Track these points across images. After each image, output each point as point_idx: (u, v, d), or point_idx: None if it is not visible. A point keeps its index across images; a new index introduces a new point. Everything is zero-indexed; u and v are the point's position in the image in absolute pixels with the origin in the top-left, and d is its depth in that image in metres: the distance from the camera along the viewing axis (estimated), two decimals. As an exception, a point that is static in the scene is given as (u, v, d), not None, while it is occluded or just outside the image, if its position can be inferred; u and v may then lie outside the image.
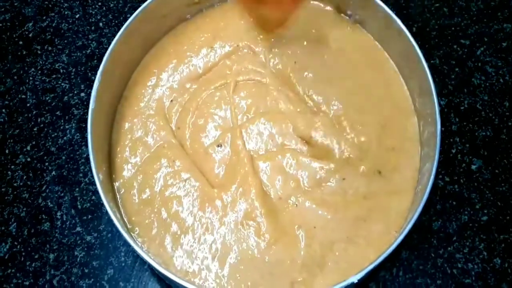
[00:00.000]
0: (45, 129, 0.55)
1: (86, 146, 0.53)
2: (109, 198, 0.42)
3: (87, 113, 0.54)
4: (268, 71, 0.51)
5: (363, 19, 0.53)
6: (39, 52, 0.60)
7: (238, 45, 0.53)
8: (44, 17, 0.62)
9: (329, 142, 0.47)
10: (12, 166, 0.53)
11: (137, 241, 0.43)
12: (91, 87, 0.56)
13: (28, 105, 0.56)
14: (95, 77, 0.57)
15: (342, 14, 0.55)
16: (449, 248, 0.48)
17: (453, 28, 0.61)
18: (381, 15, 0.50)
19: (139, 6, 0.56)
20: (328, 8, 0.55)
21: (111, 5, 0.63)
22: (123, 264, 0.47)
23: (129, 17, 0.56)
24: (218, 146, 0.47)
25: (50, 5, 0.63)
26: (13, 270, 0.48)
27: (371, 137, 0.47)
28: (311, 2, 0.55)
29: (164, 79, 0.52)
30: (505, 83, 0.57)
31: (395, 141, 0.48)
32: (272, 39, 0.53)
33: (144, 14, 0.50)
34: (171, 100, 0.50)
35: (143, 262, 0.48)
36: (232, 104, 0.50)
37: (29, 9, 0.63)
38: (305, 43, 0.53)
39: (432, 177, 0.41)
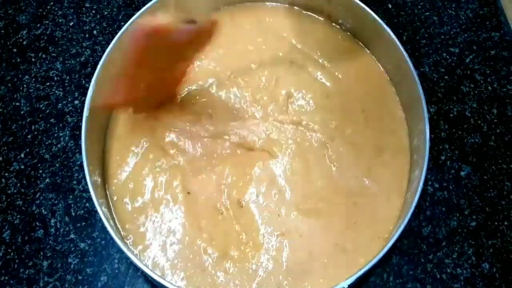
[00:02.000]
0: (39, 137, 0.55)
1: (80, 153, 0.53)
2: (102, 205, 0.42)
3: (81, 120, 0.55)
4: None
5: (354, 27, 0.54)
6: (33, 59, 0.60)
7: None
8: (38, 25, 0.63)
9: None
10: (6, 174, 0.53)
11: (131, 249, 0.43)
12: (85, 94, 0.57)
13: (22, 112, 0.56)
14: (89, 85, 0.57)
15: (334, 23, 0.55)
16: (438, 254, 0.49)
17: (442, 37, 0.62)
18: (371, 24, 0.51)
19: (133, 14, 0.57)
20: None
21: (105, 13, 0.64)
22: (116, 271, 0.48)
23: (123, 25, 0.56)
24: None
25: (44, 13, 0.64)
26: (6, 278, 0.48)
27: (360, 144, 0.48)
28: (303, 12, 0.56)
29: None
30: (493, 91, 0.58)
31: (384, 148, 0.49)
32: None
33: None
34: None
35: (137, 269, 0.48)
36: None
37: (23, 17, 0.63)
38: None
39: (421, 184, 0.42)
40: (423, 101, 0.46)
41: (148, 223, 0.45)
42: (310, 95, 0.51)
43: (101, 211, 0.40)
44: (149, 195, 0.46)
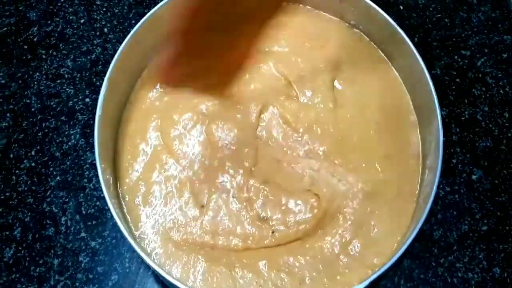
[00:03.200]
0: (50, 134, 0.55)
1: (91, 151, 0.53)
2: (115, 205, 0.42)
3: (91, 118, 0.55)
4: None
5: (367, 30, 0.54)
6: (43, 56, 0.60)
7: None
8: (49, 22, 0.63)
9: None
10: (17, 171, 0.53)
11: (144, 249, 0.43)
12: (96, 92, 0.57)
13: (32, 109, 0.56)
14: (100, 83, 0.57)
15: (347, 24, 0.55)
16: (449, 257, 0.49)
17: (454, 39, 0.61)
18: (384, 25, 0.50)
19: (144, 12, 0.57)
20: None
21: (116, 10, 0.63)
22: (127, 270, 0.48)
23: (134, 23, 0.56)
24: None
25: (55, 10, 0.63)
26: (17, 275, 0.48)
27: (372, 149, 0.48)
28: (315, 11, 0.56)
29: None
30: (505, 94, 0.58)
31: (395, 152, 0.48)
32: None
33: (150, 21, 0.50)
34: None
35: (148, 268, 0.48)
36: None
37: (34, 14, 0.63)
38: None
39: (435, 188, 0.42)
40: (437, 106, 0.45)
41: (159, 223, 0.44)
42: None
43: (114, 211, 0.40)
44: (161, 199, 0.45)
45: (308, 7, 0.56)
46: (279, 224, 0.44)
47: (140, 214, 0.45)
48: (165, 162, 0.47)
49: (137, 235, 0.44)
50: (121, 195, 0.46)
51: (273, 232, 0.43)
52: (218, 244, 0.43)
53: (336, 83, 0.51)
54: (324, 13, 0.55)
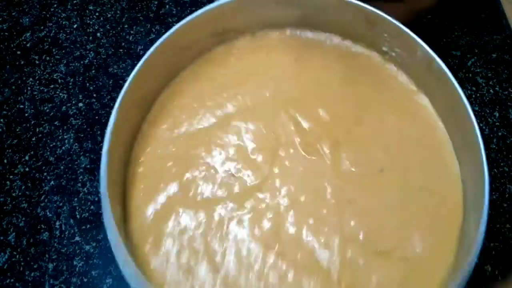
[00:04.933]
0: (44, 139, 0.55)
1: (84, 156, 0.54)
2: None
3: (85, 123, 0.56)
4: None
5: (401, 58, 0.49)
6: (37, 62, 0.60)
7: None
8: (42, 27, 0.63)
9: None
10: (11, 176, 0.53)
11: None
12: (89, 97, 0.57)
13: (26, 115, 0.57)
14: (92, 87, 0.58)
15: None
16: (441, 256, 0.49)
17: (444, 40, 0.62)
18: (421, 54, 0.46)
19: (137, 16, 0.57)
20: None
21: (109, 15, 0.64)
22: (122, 274, 0.48)
23: (126, 28, 0.57)
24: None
25: (47, 15, 0.64)
26: (12, 280, 0.48)
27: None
28: (342, 41, 0.51)
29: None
30: (495, 94, 0.58)
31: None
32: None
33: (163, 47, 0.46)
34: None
35: (142, 271, 0.48)
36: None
37: (27, 19, 0.64)
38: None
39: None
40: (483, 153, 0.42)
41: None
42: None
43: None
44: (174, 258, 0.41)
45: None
46: None
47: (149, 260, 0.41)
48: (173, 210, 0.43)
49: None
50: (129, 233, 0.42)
51: None
52: None
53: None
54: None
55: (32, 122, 0.56)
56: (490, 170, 0.53)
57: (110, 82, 0.59)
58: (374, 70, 0.50)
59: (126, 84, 0.43)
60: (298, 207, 0.43)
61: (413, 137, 0.47)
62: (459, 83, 0.43)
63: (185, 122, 0.47)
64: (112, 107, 0.56)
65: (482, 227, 0.39)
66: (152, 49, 0.44)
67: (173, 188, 0.44)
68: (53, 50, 0.62)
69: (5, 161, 0.54)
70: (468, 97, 0.58)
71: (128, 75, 0.58)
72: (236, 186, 0.44)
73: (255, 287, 0.40)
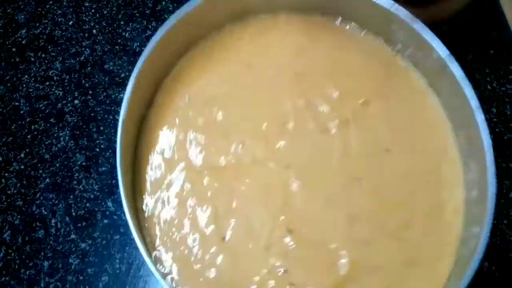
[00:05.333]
0: (39, 136, 0.55)
1: (80, 153, 0.54)
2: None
3: (80, 120, 0.55)
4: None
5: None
6: (32, 59, 0.60)
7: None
8: (37, 24, 0.62)
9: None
10: (6, 174, 0.53)
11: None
12: (84, 94, 0.57)
13: (21, 112, 0.56)
14: (88, 84, 0.58)
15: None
16: (438, 253, 0.49)
17: (441, 36, 0.61)
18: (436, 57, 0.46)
19: (134, 13, 0.57)
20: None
21: (105, 12, 0.63)
22: (117, 271, 0.48)
23: (123, 24, 0.56)
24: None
25: (43, 12, 0.63)
26: (7, 278, 0.48)
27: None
28: (362, 33, 0.50)
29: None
30: (492, 90, 0.58)
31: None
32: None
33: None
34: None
35: (138, 269, 0.48)
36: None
37: (22, 16, 0.63)
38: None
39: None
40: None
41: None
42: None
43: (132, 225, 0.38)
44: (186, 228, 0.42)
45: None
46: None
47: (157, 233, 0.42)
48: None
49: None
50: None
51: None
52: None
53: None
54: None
55: (28, 120, 0.56)
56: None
57: (106, 79, 0.58)
58: (385, 58, 0.50)
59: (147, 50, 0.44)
60: (305, 182, 0.43)
61: (418, 124, 0.47)
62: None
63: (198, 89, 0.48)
64: (108, 104, 0.57)
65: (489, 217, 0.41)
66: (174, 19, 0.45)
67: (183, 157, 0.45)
68: (49, 47, 0.61)
69: (0, 159, 0.54)
70: (466, 93, 0.57)
71: (124, 72, 0.59)
72: (245, 157, 0.44)
73: (260, 256, 0.41)
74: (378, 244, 0.42)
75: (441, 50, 0.45)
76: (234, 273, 0.41)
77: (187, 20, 0.46)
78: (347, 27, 0.50)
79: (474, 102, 0.43)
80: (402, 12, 0.45)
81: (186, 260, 0.41)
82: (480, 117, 0.43)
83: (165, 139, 0.45)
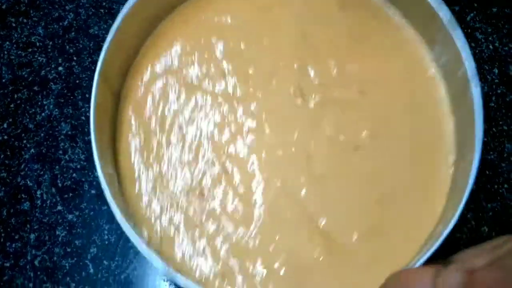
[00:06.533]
0: (22, 105, 0.53)
1: (65, 122, 0.52)
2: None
3: (65, 87, 0.53)
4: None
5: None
6: (13, 24, 0.57)
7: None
8: (18, -12, 0.60)
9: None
10: (-11, 145, 0.51)
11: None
12: (68, 60, 0.55)
13: (3, 80, 0.54)
14: (72, 50, 0.55)
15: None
16: (437, 219, 0.48)
17: (442, -7, 0.59)
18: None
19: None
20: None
21: (88, -26, 0.60)
22: (106, 243, 0.47)
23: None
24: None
25: (23, -25, 0.60)
26: (-7, 251, 0.47)
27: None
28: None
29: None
30: (494, 50, 0.56)
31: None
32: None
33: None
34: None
35: (127, 240, 0.46)
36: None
37: (2, -20, 0.60)
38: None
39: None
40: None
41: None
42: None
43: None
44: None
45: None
46: None
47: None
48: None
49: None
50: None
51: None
52: None
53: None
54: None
55: (10, 88, 0.54)
56: (488, 129, 0.51)
57: (91, 44, 0.56)
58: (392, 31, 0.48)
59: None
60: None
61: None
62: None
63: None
64: (93, 71, 0.54)
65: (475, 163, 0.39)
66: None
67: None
68: (31, 11, 0.58)
69: (-17, 129, 0.52)
70: (466, 54, 0.55)
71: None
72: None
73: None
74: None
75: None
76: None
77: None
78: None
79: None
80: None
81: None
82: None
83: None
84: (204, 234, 0.40)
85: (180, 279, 0.35)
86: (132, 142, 0.44)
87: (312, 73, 0.45)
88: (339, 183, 0.42)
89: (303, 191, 0.41)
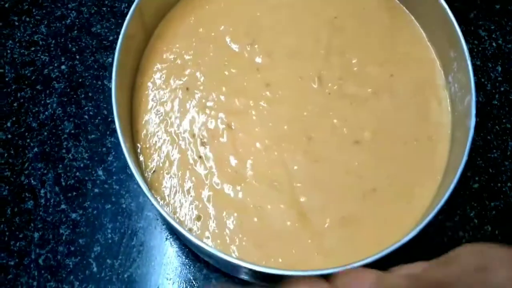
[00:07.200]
0: (26, 104, 0.53)
1: (68, 121, 0.52)
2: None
3: (68, 86, 0.53)
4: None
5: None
6: (16, 23, 0.57)
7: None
8: (20, -14, 0.60)
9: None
10: (-7, 144, 0.51)
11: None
12: (71, 59, 0.55)
13: (6, 79, 0.54)
14: (75, 48, 0.56)
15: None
16: (439, 216, 0.48)
17: (445, -9, 0.59)
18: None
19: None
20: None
21: (90, -28, 0.60)
22: (110, 241, 0.47)
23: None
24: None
25: (25, -27, 0.60)
26: (-3, 250, 0.47)
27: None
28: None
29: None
30: (498, 47, 0.56)
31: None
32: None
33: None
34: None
35: (131, 238, 0.47)
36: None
37: (4, -22, 0.60)
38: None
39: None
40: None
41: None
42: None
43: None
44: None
45: None
46: None
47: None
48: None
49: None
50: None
51: None
52: None
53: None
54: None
55: (13, 87, 0.54)
56: (491, 127, 0.51)
57: (94, 43, 0.56)
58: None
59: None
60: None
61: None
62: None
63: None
64: (96, 69, 0.54)
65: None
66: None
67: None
68: (33, 10, 0.58)
69: (-14, 128, 0.52)
70: (470, 51, 0.54)
71: (112, 35, 0.56)
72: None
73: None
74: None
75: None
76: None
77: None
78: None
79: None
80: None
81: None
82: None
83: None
84: (193, 175, 0.43)
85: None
86: (156, 75, 0.47)
87: (335, 63, 0.47)
88: (330, 170, 0.43)
89: (295, 167, 0.43)
